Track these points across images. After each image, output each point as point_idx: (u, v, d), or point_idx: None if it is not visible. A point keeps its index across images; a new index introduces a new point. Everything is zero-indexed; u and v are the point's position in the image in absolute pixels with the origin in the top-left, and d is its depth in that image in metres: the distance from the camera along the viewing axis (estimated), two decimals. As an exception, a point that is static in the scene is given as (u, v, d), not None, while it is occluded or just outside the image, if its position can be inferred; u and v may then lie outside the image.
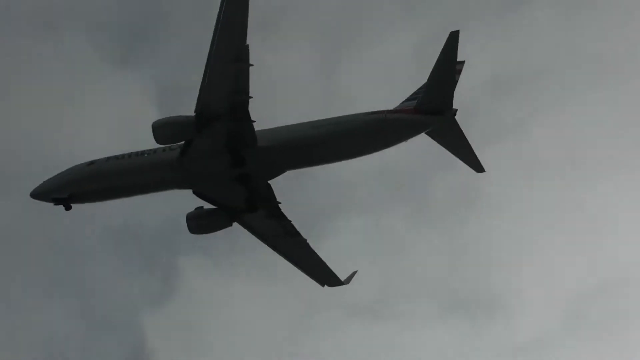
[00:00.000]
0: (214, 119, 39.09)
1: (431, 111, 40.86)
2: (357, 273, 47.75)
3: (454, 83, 40.58)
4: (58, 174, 43.34)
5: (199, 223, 42.87)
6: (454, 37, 38.59)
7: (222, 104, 38.49)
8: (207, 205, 43.64)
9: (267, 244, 45.05)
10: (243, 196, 42.68)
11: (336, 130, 41.16)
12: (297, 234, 44.51)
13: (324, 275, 46.33)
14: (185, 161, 41.08)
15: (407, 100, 42.76)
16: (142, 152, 42.33)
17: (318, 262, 45.77)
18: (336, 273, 46.65)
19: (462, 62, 41.37)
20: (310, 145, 41.06)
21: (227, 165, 41.11)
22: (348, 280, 47.45)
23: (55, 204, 43.25)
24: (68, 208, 43.19)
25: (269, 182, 42.54)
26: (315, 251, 45.46)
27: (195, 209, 43.42)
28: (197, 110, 38.84)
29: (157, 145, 39.95)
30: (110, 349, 71.89)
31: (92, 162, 42.92)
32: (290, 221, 44.07)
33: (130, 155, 42.43)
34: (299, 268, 45.98)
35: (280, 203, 43.27)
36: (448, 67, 39.61)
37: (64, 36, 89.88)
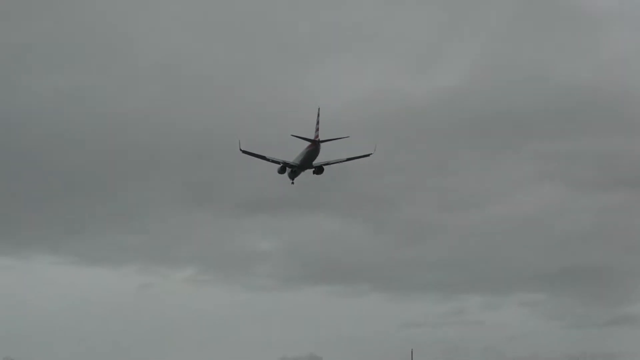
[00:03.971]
0: (286, 165, 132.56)
1: (312, 142, 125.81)
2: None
3: (306, 138, 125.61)
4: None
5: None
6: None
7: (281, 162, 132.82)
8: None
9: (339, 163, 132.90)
10: (313, 170, 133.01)
11: (304, 156, 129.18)
12: (341, 160, 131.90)
13: (362, 157, 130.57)
14: (295, 170, 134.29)
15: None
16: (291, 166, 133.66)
17: (354, 158, 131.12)
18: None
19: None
20: (305, 160, 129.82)
21: (300, 168, 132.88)
22: (374, 149, 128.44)
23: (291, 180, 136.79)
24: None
25: (314, 165, 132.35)
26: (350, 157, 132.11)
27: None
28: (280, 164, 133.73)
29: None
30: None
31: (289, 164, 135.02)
32: (332, 162, 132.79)
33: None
34: (352, 160, 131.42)
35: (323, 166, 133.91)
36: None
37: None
